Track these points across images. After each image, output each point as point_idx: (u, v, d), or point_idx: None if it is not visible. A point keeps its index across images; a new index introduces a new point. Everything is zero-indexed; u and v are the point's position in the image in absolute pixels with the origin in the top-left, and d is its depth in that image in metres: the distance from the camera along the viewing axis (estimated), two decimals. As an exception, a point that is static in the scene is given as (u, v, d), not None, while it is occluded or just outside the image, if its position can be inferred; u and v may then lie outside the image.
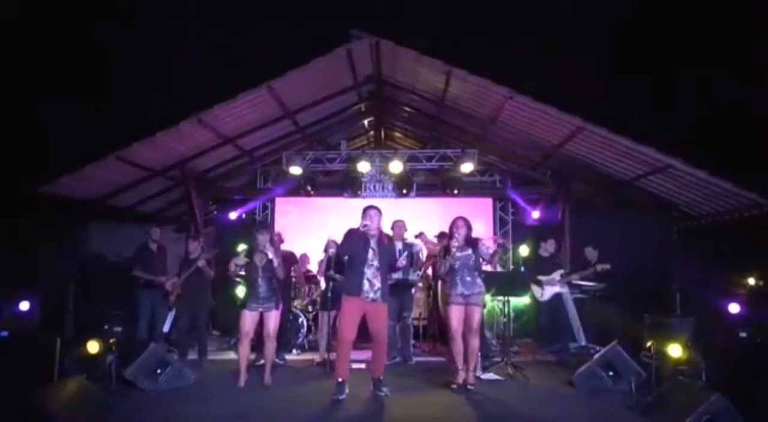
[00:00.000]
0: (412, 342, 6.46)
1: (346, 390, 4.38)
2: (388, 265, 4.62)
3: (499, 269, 6.64)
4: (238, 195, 9.32)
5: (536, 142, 7.69)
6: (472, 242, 4.83)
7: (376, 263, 4.46)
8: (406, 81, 7.85)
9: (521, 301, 7.88)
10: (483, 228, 8.42)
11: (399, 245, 5.99)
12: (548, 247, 6.97)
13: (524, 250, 7.74)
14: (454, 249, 4.73)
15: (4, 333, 4.93)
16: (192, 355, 6.04)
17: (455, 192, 8.22)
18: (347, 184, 8.56)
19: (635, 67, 12.53)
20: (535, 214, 8.72)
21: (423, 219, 7.53)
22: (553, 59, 13.08)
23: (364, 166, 8.15)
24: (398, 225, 6.17)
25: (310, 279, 7.38)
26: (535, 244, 7.34)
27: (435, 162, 8.40)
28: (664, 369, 4.39)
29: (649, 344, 4.80)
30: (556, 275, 6.66)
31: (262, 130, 8.08)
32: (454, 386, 4.70)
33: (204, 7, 14.08)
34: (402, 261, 4.48)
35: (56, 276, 7.08)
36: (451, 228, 4.88)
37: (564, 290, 6.65)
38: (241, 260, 4.89)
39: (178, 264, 6.27)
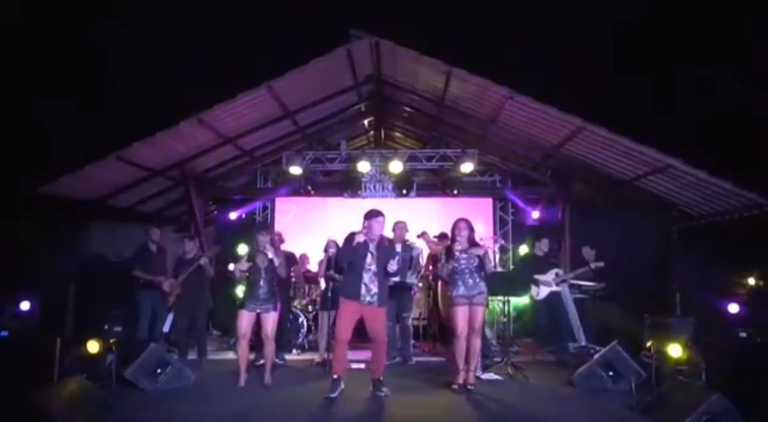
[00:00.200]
0: (412, 342, 6.46)
1: (341, 387, 4.44)
2: (394, 259, 4.61)
3: (499, 269, 6.65)
4: (238, 195, 9.33)
5: (536, 142, 7.69)
6: (475, 245, 4.83)
7: (373, 268, 4.49)
8: (406, 81, 7.85)
9: (521, 301, 7.89)
10: (483, 228, 8.42)
11: (398, 247, 5.98)
12: (542, 247, 7.01)
13: (524, 250, 7.77)
14: (457, 253, 4.73)
15: (4, 333, 4.92)
16: (192, 355, 6.05)
17: (455, 192, 8.23)
18: (347, 184, 8.57)
19: (635, 67, 12.53)
20: (535, 214, 8.74)
21: (423, 219, 7.53)
22: (554, 59, 13.07)
23: (364, 166, 8.15)
24: (399, 227, 6.15)
25: (310, 279, 7.38)
26: (533, 244, 7.36)
27: (435, 162, 8.40)
28: (664, 369, 4.39)
29: (649, 344, 4.80)
30: (551, 274, 6.68)
31: (262, 130, 8.08)
32: (455, 386, 4.70)
33: (204, 7, 14.08)
34: (393, 266, 4.47)
35: (56, 276, 7.08)
36: (453, 230, 4.87)
37: (561, 289, 6.66)
38: (244, 265, 4.90)
39: (174, 264, 6.27)
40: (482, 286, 4.74)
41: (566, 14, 13.94)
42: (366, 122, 9.68)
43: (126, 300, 6.29)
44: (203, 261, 5.92)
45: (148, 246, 6.44)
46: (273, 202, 9.26)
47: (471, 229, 4.85)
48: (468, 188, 8.52)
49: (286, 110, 7.77)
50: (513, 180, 9.22)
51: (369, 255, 4.50)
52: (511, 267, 8.76)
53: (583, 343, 6.40)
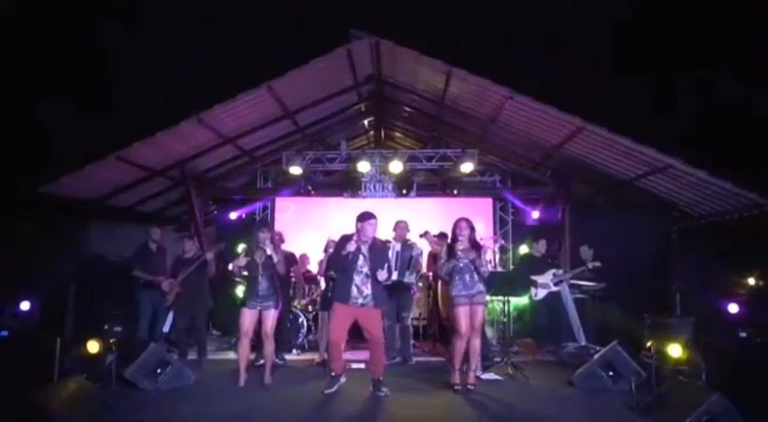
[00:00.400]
0: (412, 342, 6.46)
1: (340, 381, 4.54)
2: (385, 265, 4.61)
3: (499, 269, 6.66)
4: (238, 195, 9.34)
5: (536, 142, 7.69)
6: (476, 246, 4.83)
7: (365, 270, 4.51)
8: (406, 81, 7.85)
9: (521, 301, 7.90)
10: (483, 228, 8.42)
11: (398, 246, 5.99)
12: (540, 248, 7.10)
13: (524, 250, 7.78)
14: (459, 253, 4.73)
15: (4, 333, 4.92)
16: (192, 355, 6.04)
17: (455, 192, 8.23)
18: (347, 184, 8.57)
19: (636, 67, 12.52)
20: (535, 214, 8.75)
21: (423, 219, 7.53)
22: (554, 59, 13.07)
23: (364, 166, 8.15)
24: (400, 227, 6.16)
25: (310, 279, 7.38)
26: (532, 245, 7.39)
27: (435, 162, 8.40)
28: (664, 369, 4.39)
29: (649, 344, 4.80)
30: (549, 275, 6.70)
31: (262, 130, 8.08)
32: (457, 386, 4.70)
33: (204, 7, 14.08)
34: (382, 275, 4.48)
35: (56, 276, 7.08)
36: (454, 229, 4.87)
37: (558, 289, 6.67)
38: (242, 261, 4.90)
39: (172, 264, 6.27)
40: (481, 286, 4.74)
41: (566, 14, 13.94)
42: (366, 122, 9.67)
43: (126, 300, 6.29)
44: (209, 256, 5.95)
45: (148, 246, 6.44)
46: (273, 201, 9.26)
47: (472, 229, 4.85)
48: (468, 188, 8.52)
49: (286, 110, 7.77)
50: (513, 180, 9.23)
51: (361, 258, 4.52)
52: (511, 267, 8.76)
53: (583, 343, 6.41)
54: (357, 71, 7.57)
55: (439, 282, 6.28)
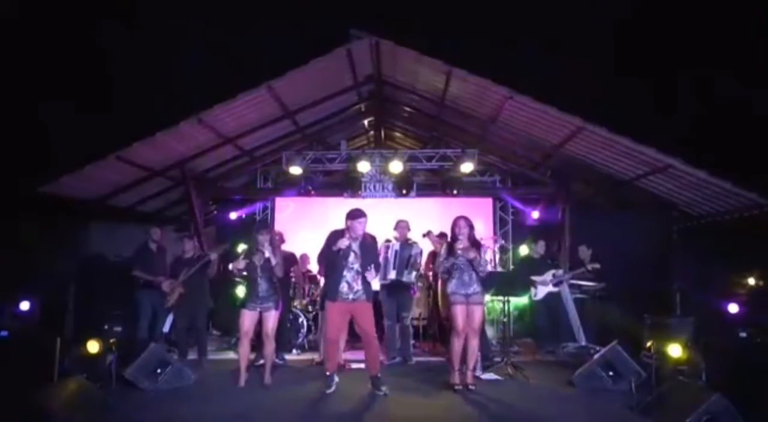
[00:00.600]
0: (412, 342, 6.47)
1: (336, 380, 4.62)
2: (372, 265, 4.61)
3: (499, 269, 6.67)
4: (238, 195, 9.34)
5: (536, 142, 7.69)
6: (476, 244, 4.83)
7: (356, 266, 4.54)
8: (406, 81, 7.85)
9: (521, 301, 7.90)
10: (483, 228, 8.41)
11: (397, 245, 6.00)
12: (538, 249, 7.17)
13: (524, 250, 7.79)
14: (459, 252, 4.73)
15: (4, 333, 4.92)
16: (192, 355, 6.05)
17: (455, 192, 8.24)
18: (347, 184, 8.57)
19: (635, 67, 12.52)
20: (535, 214, 8.74)
21: (423, 219, 7.51)
22: (554, 59, 13.06)
23: (364, 166, 8.15)
24: (401, 226, 6.17)
25: (310, 279, 7.38)
26: (532, 245, 7.41)
27: (435, 162, 8.40)
28: (664, 369, 4.39)
29: (649, 344, 4.81)
30: (548, 275, 6.70)
31: (262, 130, 8.08)
32: (457, 386, 4.70)
33: (204, 7, 14.08)
34: (371, 275, 4.51)
35: (56, 276, 7.08)
36: (453, 228, 4.87)
37: (560, 290, 6.67)
38: (241, 263, 4.90)
39: (172, 264, 6.26)
40: (477, 286, 4.74)
41: (566, 14, 13.95)
42: (366, 122, 9.67)
43: (126, 300, 6.30)
44: (213, 256, 5.96)
45: (148, 245, 6.44)
46: (273, 201, 9.26)
47: (471, 227, 4.86)
48: (468, 188, 8.52)
49: (286, 110, 7.77)
50: (513, 180, 9.23)
51: (352, 254, 4.54)
52: (511, 267, 8.76)
53: (583, 343, 6.41)
54: (357, 71, 7.57)
55: (439, 282, 6.28)
